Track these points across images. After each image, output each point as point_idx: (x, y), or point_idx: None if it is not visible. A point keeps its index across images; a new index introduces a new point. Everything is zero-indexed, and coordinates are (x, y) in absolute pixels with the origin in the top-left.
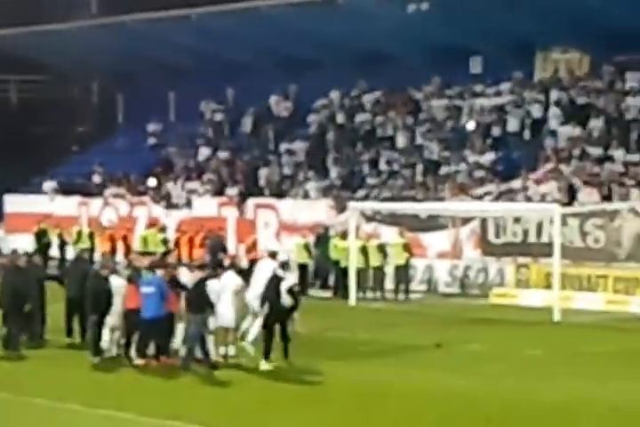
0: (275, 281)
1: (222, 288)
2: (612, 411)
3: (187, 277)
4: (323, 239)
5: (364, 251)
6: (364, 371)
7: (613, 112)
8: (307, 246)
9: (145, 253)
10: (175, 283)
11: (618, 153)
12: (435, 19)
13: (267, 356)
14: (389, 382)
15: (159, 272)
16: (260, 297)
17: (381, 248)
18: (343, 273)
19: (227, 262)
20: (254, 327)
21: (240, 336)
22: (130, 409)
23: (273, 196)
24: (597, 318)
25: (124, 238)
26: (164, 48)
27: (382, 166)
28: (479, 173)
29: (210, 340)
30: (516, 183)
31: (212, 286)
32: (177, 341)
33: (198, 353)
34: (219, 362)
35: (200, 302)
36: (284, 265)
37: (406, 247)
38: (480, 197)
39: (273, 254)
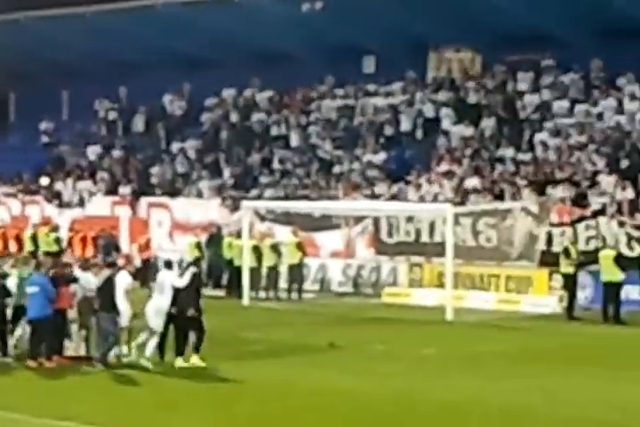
0: (182, 291)
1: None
2: (503, 410)
3: (84, 276)
4: (216, 238)
5: (257, 250)
6: (260, 371)
7: (505, 112)
8: (199, 245)
9: (48, 254)
10: (66, 279)
11: (509, 152)
12: (328, 18)
13: (181, 353)
14: (285, 382)
15: (44, 272)
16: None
17: (275, 247)
18: (237, 272)
19: (120, 262)
20: (152, 342)
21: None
22: (22, 410)
23: (166, 195)
24: (489, 317)
25: (17, 238)
26: (58, 46)
27: (276, 165)
28: (372, 173)
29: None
30: (410, 182)
31: None
32: (74, 340)
33: (96, 352)
34: (114, 362)
35: (111, 301)
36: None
37: (300, 246)
38: (373, 197)
39: (168, 264)
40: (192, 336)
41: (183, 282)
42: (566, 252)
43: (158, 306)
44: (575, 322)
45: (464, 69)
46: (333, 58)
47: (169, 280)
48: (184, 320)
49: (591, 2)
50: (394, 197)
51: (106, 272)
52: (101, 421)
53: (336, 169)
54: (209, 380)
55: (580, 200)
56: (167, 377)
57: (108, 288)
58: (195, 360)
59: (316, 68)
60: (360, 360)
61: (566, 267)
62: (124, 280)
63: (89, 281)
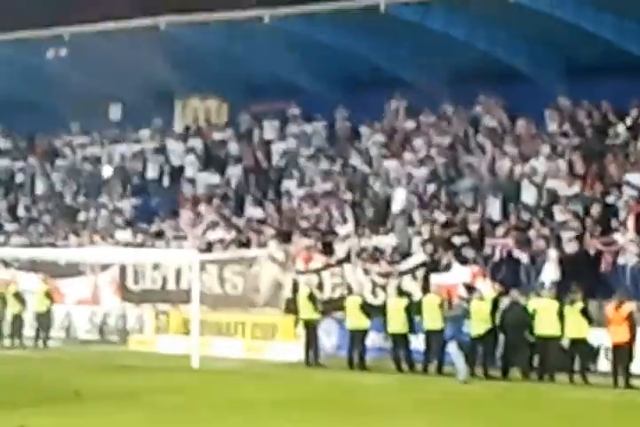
0: None
1: None
2: None
3: None
4: None
5: (1, 298)
6: (1, 421)
7: (251, 160)
8: None
9: None
10: None
11: (255, 201)
12: (74, 65)
13: None
14: None
15: None
16: None
17: (19, 295)
18: None
19: None
20: None
21: None
22: None
23: None
24: (236, 364)
25: None
26: None
27: (21, 213)
28: (118, 220)
29: None
30: (156, 230)
31: None
32: None
33: None
34: None
35: None
36: None
37: (48, 294)
38: (120, 244)
39: None
40: None
41: None
42: (310, 298)
43: None
44: (320, 369)
45: (210, 118)
46: (79, 105)
47: None
48: None
49: (335, 52)
50: (140, 245)
51: None
52: None
53: (82, 217)
54: None
55: (325, 248)
56: None
57: None
58: None
59: (61, 115)
60: (104, 409)
61: (310, 314)
62: None
63: None
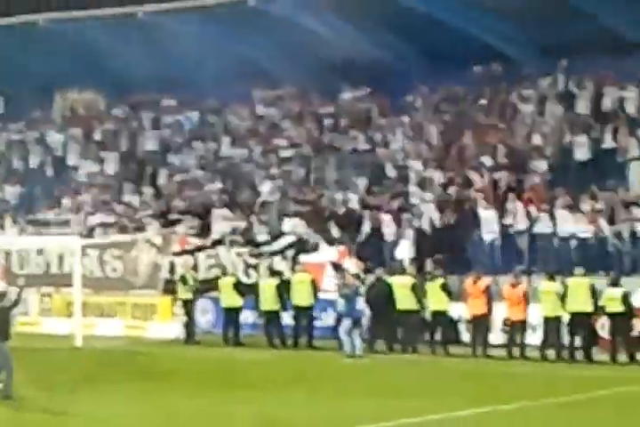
0: None
1: None
2: None
3: None
4: None
5: None
6: None
7: (129, 149)
8: None
9: None
10: None
11: (133, 187)
12: None
13: None
14: None
15: None
16: None
17: None
18: None
19: None
20: None
21: None
22: None
23: None
24: (118, 343)
25: None
26: None
27: None
28: (1, 207)
29: None
30: (40, 217)
31: None
32: None
33: None
34: None
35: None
36: None
37: None
38: (3, 231)
39: None
40: None
41: None
42: (183, 279)
43: None
44: (196, 346)
45: (88, 109)
46: None
47: None
48: None
49: (207, 46)
50: (23, 232)
51: None
52: None
53: None
54: None
55: (201, 231)
56: None
57: (3, 315)
58: None
59: None
60: None
61: (184, 293)
62: None
63: None
